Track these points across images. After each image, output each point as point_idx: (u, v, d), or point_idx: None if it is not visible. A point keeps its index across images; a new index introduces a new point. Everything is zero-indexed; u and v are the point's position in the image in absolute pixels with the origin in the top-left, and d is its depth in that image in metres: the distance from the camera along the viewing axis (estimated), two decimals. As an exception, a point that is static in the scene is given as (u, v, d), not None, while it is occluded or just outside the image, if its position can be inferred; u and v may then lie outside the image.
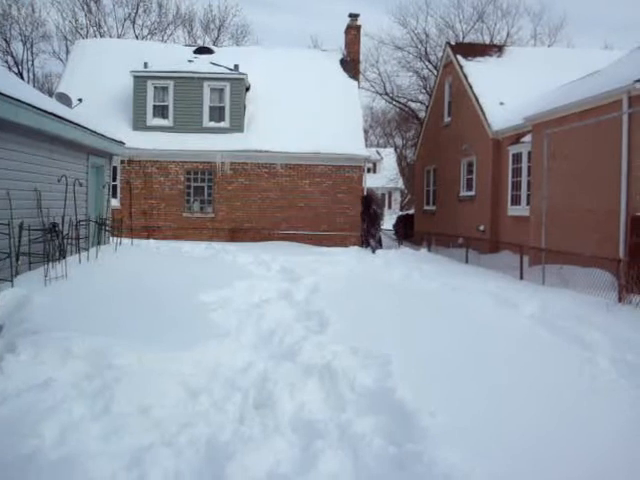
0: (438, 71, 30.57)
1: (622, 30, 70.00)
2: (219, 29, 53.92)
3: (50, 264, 9.98)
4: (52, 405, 5.40)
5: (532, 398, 5.84)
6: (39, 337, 6.69)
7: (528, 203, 18.21)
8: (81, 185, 13.22)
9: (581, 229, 14.14)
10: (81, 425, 5.15)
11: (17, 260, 9.93)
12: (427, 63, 41.69)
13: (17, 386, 5.73)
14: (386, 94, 43.50)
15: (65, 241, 11.53)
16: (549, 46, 44.30)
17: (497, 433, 4.96)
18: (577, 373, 6.75)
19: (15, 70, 47.01)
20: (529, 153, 18.49)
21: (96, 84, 25.04)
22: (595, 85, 14.77)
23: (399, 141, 61.89)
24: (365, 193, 24.20)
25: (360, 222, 22.06)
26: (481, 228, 22.21)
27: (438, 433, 4.86)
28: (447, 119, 27.38)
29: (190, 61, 26.19)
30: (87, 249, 12.29)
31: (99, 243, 13.57)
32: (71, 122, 12.23)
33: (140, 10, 50.93)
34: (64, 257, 11.08)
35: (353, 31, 29.47)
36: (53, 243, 10.98)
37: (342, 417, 5.48)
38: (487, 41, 41.89)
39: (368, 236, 21.44)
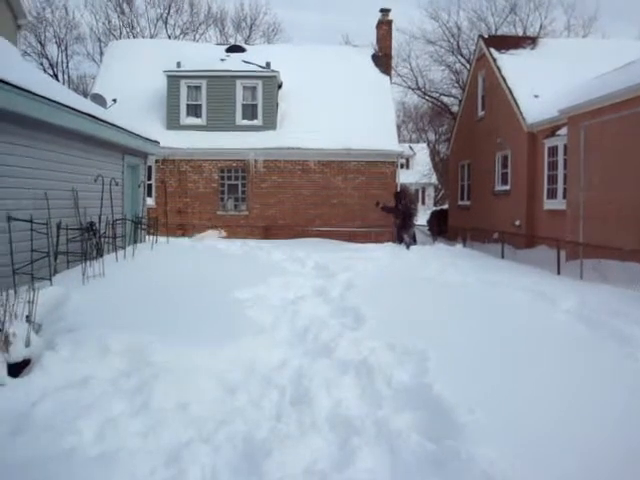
0: (471, 65, 30.32)
1: (659, 19, 68.70)
2: (250, 27, 54.20)
3: (88, 263, 10.08)
4: (91, 402, 5.46)
5: (571, 395, 5.75)
6: (77, 334, 6.76)
7: (564, 197, 17.96)
8: (117, 184, 13.36)
9: (619, 222, 13.90)
10: (119, 422, 5.19)
11: (55, 259, 10.07)
12: (459, 57, 41.40)
13: (56, 383, 5.81)
14: (418, 89, 43.30)
15: (102, 240, 11.66)
16: (583, 37, 43.64)
17: (536, 430, 4.90)
18: (618, 368, 6.64)
19: (50, 72, 47.71)
20: (565, 146, 18.23)
21: (130, 84, 25.30)
22: (632, 75, 14.50)
23: (432, 136, 61.68)
24: (398, 189, 24.09)
25: (394, 218, 21.96)
26: (517, 223, 21.96)
27: (476, 429, 4.81)
28: (481, 113, 27.13)
29: (222, 60, 26.33)
30: (124, 247, 12.40)
31: (135, 241, 13.69)
32: (106, 122, 12.36)
33: (172, 10, 51.44)
34: (101, 256, 11.21)
35: (384, 26, 29.37)
36: (90, 242, 11.10)
37: (379, 413, 5.45)
38: (520, 33, 41.45)
39: (402, 232, 21.31)
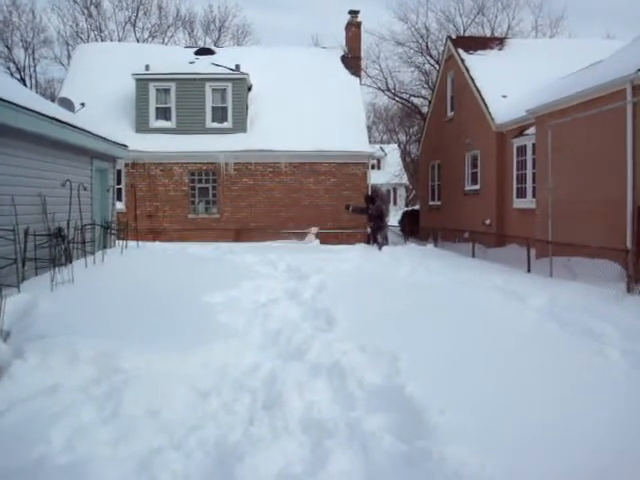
0: (440, 66, 30.52)
1: (624, 19, 69.77)
2: (219, 30, 54.06)
3: (56, 269, 9.96)
4: (60, 410, 5.39)
5: (542, 392, 5.80)
6: (46, 342, 6.66)
7: (534, 195, 18.14)
8: (85, 189, 13.22)
9: (587, 220, 14.06)
10: (90, 430, 5.13)
11: (23, 266, 9.93)
12: (429, 58, 41.68)
13: (25, 391, 5.71)
14: (388, 90, 43.51)
15: (71, 245, 11.52)
16: (550, 37, 44.18)
17: (507, 429, 4.93)
18: (587, 365, 6.70)
19: (17, 76, 47.19)
20: (533, 145, 18.42)
21: (98, 88, 25.07)
22: (598, 75, 14.69)
23: (403, 137, 61.99)
24: (370, 190, 24.15)
25: (366, 219, 22.00)
26: (487, 222, 22.14)
27: (448, 430, 4.83)
28: (450, 113, 27.31)
29: (191, 62, 26.23)
30: (93, 253, 12.28)
31: (105, 247, 13.57)
32: (74, 126, 12.23)
33: (140, 13, 51.16)
34: (70, 261, 11.07)
35: (353, 28, 29.45)
36: (59, 248, 10.97)
37: (351, 415, 5.45)
38: (488, 34, 41.87)
39: (374, 233, 21.36)
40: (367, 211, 21.55)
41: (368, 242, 21.69)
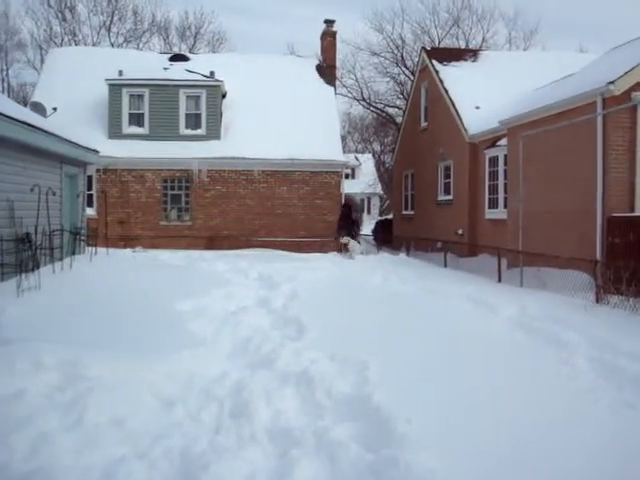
0: (414, 76, 30.67)
1: (595, 33, 70.79)
2: (195, 36, 53.88)
3: (23, 275, 9.83)
4: (23, 417, 5.29)
5: (509, 401, 5.82)
6: (11, 348, 6.56)
7: (505, 206, 18.28)
8: (54, 194, 13.07)
9: (558, 231, 14.19)
10: (53, 437, 5.04)
11: (-11, 271, 9.80)
12: (404, 68, 41.89)
13: (-12, 398, 5.62)
14: (363, 100, 43.64)
15: (39, 251, 11.38)
16: (524, 50, 44.64)
17: (474, 437, 4.93)
18: (555, 374, 6.75)
19: (-11, 80, 46.57)
20: (505, 156, 18.57)
21: (71, 93, 24.82)
22: (569, 88, 14.87)
23: (377, 147, 62.11)
24: (343, 199, 24.19)
25: (337, 228, 22.05)
26: (459, 232, 22.26)
27: (415, 438, 4.81)
28: (424, 124, 27.45)
29: (166, 69, 26.09)
30: (62, 259, 12.14)
31: (74, 253, 13.42)
32: (44, 131, 12.10)
33: (115, 18, 50.80)
34: (38, 268, 10.93)
35: (329, 37, 29.50)
36: (26, 253, 10.83)
37: (319, 424, 5.41)
38: (463, 46, 42.20)
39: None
40: (341, 220, 21.61)
41: (340, 251, 21.71)
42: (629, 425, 5.38)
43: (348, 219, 21.69)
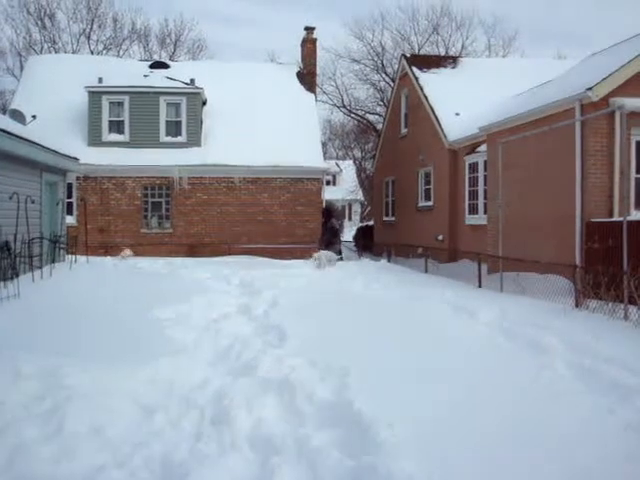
0: (394, 83, 30.80)
1: (574, 40, 71.51)
2: (175, 44, 53.73)
3: (2, 283, 9.75)
4: (1, 427, 5.25)
5: (490, 406, 5.84)
6: (-11, 358, 6.51)
7: (485, 212, 18.39)
8: (33, 202, 12.98)
9: (537, 236, 14.30)
10: (31, 447, 5.00)
11: (-33, 280, 9.71)
12: (384, 75, 42.13)
13: (-35, 409, 5.56)
14: (344, 107, 43.87)
15: (18, 260, 11.29)
16: (503, 57, 45.01)
17: (455, 443, 4.94)
18: (534, 379, 6.77)
19: (-33, 87, 46.13)
20: (485, 162, 18.69)
21: (51, 100, 24.68)
22: (548, 94, 15.00)
23: (358, 153, 62.25)
24: (324, 205, 24.24)
25: (320, 234, 22.07)
26: (440, 238, 22.35)
27: (395, 444, 4.81)
28: (404, 130, 27.57)
29: (146, 76, 26.01)
30: (41, 267, 12.05)
31: (54, 261, 13.33)
32: (22, 139, 12.03)
33: (95, 25, 50.54)
34: (17, 276, 10.86)
35: (309, 44, 29.57)
36: (5, 262, 10.75)
37: (300, 431, 5.40)
38: (443, 53, 42.49)
39: (328, 248, 21.41)
40: (323, 226, 21.63)
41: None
42: (608, 430, 5.41)
43: (330, 226, 21.74)
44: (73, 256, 14.44)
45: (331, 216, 22.14)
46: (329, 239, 21.32)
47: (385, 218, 30.37)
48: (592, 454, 4.88)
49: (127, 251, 20.52)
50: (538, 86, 18.43)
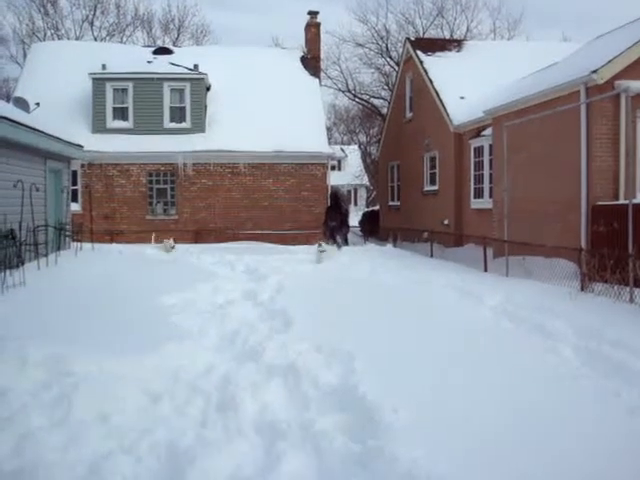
0: (399, 67, 30.66)
1: (579, 23, 70.98)
2: (179, 29, 53.58)
3: (7, 271, 9.77)
4: (8, 415, 5.27)
5: (495, 390, 5.84)
6: (-4, 345, 6.53)
7: (491, 196, 18.33)
8: (38, 190, 13.00)
9: (543, 220, 14.25)
10: (38, 435, 5.01)
11: (-27, 268, 9.73)
12: (388, 59, 41.90)
13: (-28, 397, 5.59)
14: (348, 91, 43.66)
15: (23, 247, 11.32)
16: (508, 40, 44.70)
17: (460, 427, 4.94)
18: (540, 362, 6.78)
19: (-29, 75, 46.13)
20: (490, 146, 18.61)
21: (54, 87, 24.64)
22: (553, 77, 14.89)
23: (363, 138, 62.15)
24: (330, 190, 24.19)
25: (326, 219, 22.04)
26: (445, 222, 22.32)
27: (400, 429, 4.82)
28: (409, 114, 27.46)
29: (149, 62, 25.96)
30: (46, 255, 12.08)
31: (59, 248, 13.35)
32: (27, 126, 12.02)
33: (98, 12, 50.41)
34: (22, 264, 10.89)
35: (313, 29, 29.44)
36: (11, 250, 10.77)
37: (305, 416, 5.41)
38: (447, 36, 42.21)
39: (334, 233, 21.39)
40: (331, 211, 21.59)
41: (328, 242, 21.68)
42: (614, 412, 5.41)
43: (337, 211, 21.65)
44: (78, 243, 14.46)
45: (338, 201, 22.05)
46: (338, 225, 21.25)
47: (391, 203, 30.32)
48: (597, 436, 4.88)
49: (171, 241, 19.02)
50: (543, 69, 18.31)
